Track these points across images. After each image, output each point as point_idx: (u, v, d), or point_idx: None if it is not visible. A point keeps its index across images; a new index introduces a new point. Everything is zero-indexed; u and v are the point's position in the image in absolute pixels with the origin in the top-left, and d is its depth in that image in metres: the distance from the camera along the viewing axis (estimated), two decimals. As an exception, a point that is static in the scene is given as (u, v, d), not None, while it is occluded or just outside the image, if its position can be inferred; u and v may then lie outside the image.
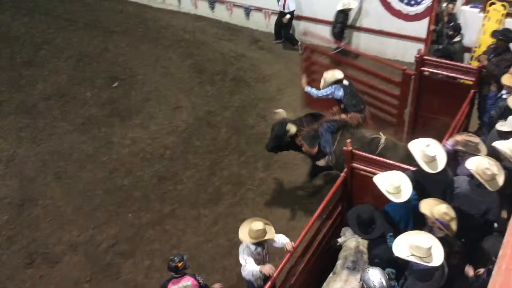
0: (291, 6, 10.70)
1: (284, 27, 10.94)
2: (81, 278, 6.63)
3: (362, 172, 5.81)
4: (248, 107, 9.52)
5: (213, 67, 10.56)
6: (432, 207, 4.61)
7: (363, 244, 5.46)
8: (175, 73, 10.38)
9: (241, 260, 5.24)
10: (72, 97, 9.77)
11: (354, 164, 5.84)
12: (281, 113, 7.25)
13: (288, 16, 10.73)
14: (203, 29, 11.83)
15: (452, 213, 4.56)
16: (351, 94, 6.81)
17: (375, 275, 4.28)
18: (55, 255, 6.90)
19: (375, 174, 5.58)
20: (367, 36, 10.69)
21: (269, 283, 4.85)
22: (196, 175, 8.14)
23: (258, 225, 5.12)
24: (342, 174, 5.89)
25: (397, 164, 5.54)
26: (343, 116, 6.80)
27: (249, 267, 5.14)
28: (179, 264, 5.26)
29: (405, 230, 4.79)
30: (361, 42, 10.78)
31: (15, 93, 9.85)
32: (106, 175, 8.13)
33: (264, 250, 5.34)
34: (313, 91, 7.12)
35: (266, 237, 5.14)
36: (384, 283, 4.24)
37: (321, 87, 6.94)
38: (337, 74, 6.83)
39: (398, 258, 4.41)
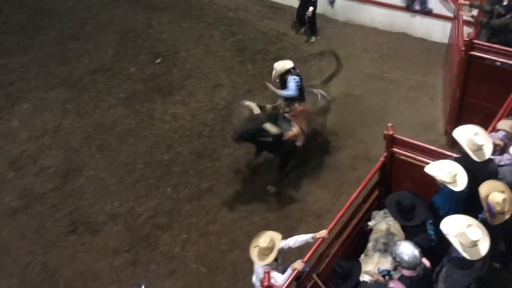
0: None
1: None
2: (121, 247, 6.87)
3: (402, 157, 5.71)
4: (289, 87, 9.45)
5: (254, 46, 10.52)
6: (491, 190, 4.47)
7: (394, 226, 5.42)
8: (216, 51, 10.41)
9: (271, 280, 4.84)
10: (117, 72, 9.97)
11: (395, 149, 5.74)
12: (252, 107, 7.01)
13: (311, 8, 10.23)
14: (246, 7, 11.76)
15: (505, 207, 4.40)
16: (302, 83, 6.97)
17: (407, 247, 4.27)
18: (97, 224, 7.16)
19: (415, 159, 5.51)
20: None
21: (294, 273, 4.84)
22: (234, 153, 8.20)
23: (264, 242, 4.92)
24: (381, 159, 5.80)
25: (439, 150, 5.43)
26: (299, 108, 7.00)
27: (280, 279, 4.88)
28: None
29: None
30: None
31: (62, 66, 10.13)
32: (147, 149, 8.32)
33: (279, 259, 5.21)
34: (284, 92, 7.16)
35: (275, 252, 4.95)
36: (417, 254, 4.23)
37: (272, 79, 7.12)
38: (288, 63, 7.13)
39: (438, 245, 4.35)
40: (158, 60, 10.23)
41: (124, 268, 6.62)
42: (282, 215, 7.17)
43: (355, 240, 5.84)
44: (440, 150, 5.44)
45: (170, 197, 7.56)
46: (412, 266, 4.23)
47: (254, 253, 4.99)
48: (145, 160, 8.14)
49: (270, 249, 4.90)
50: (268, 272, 4.70)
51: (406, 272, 4.27)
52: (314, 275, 5.00)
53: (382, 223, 5.53)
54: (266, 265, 4.89)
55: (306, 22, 10.59)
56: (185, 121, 8.80)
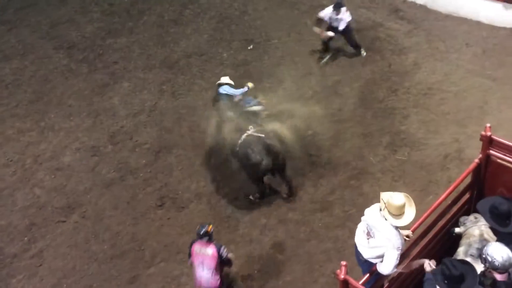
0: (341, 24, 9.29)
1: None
2: (202, 225, 7.14)
3: (499, 160, 5.35)
4: (379, 80, 9.20)
5: (348, 36, 10.31)
6: None
7: (487, 232, 5.16)
8: (309, 39, 10.34)
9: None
10: (210, 57, 10.29)
11: (491, 151, 5.39)
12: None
13: (330, 33, 9.42)
14: (342, -5, 11.55)
15: None
16: None
17: (501, 247, 4.08)
18: (183, 201, 7.51)
19: (514, 164, 5.14)
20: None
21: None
22: (317, 143, 8.17)
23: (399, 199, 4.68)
24: (476, 160, 5.47)
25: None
26: None
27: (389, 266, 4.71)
28: (209, 229, 5.68)
29: None
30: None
31: (161, 48, 10.64)
32: (234, 133, 8.54)
33: None
34: (236, 91, 8.02)
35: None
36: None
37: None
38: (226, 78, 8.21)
39: None
40: (250, 47, 10.40)
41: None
42: (362, 209, 6.97)
43: (439, 243, 5.60)
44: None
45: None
46: (507, 267, 4.02)
47: (386, 214, 4.68)
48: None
49: (403, 206, 4.66)
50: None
51: (499, 276, 4.04)
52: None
53: (474, 228, 5.30)
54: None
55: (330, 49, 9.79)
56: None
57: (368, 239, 4.94)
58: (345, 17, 9.26)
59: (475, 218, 5.37)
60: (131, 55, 10.49)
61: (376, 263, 4.87)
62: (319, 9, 11.03)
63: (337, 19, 9.28)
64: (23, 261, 6.89)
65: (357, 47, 9.69)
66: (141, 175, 7.99)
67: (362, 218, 5.04)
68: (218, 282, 5.77)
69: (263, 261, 6.69)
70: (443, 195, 5.19)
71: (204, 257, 5.65)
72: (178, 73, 9.98)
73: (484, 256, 4.10)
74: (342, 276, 4.56)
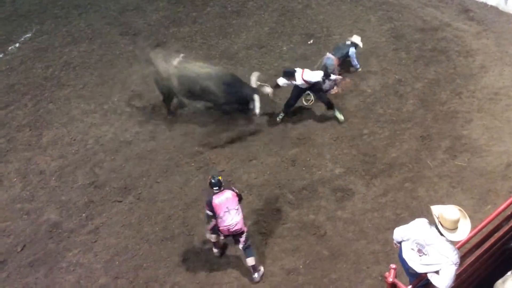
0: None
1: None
2: (251, 216, 7.22)
3: None
4: (443, 82, 8.89)
5: (412, 34, 10.03)
6: None
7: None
8: (370, 36, 10.15)
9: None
10: (270, 50, 10.32)
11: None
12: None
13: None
14: (408, -8, 11.23)
15: None
16: None
17: None
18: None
19: None
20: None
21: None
22: (373, 143, 8.03)
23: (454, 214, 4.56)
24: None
25: None
26: None
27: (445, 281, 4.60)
28: (220, 178, 6.15)
29: None
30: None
31: (222, 39, 10.79)
32: (283, 127, 8.57)
33: None
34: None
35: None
36: None
37: None
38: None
39: None
40: (311, 41, 10.33)
41: (252, 236, 6.95)
42: (416, 214, 6.83)
43: (494, 255, 5.37)
44: None
45: (303, 177, 7.70)
46: None
47: (441, 229, 4.58)
48: (282, 137, 8.40)
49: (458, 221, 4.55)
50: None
51: None
52: None
53: None
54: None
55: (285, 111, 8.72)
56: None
57: (420, 256, 4.76)
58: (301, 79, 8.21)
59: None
60: (193, 45, 10.70)
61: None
62: (384, 6, 10.83)
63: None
64: (80, 236, 7.25)
65: (330, 107, 8.52)
66: (195, 161, 8.16)
67: (408, 236, 4.85)
68: (243, 221, 6.30)
69: (309, 256, 6.68)
70: (502, 205, 4.98)
71: (227, 202, 6.12)
72: (237, 65, 10.08)
73: None
74: (390, 279, 4.49)
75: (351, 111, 8.63)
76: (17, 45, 11.11)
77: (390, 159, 7.75)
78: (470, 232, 4.78)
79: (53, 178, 8.11)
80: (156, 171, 8.07)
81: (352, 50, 9.12)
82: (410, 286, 4.71)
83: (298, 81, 8.20)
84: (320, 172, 7.75)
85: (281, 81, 8.39)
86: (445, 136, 7.89)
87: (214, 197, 6.10)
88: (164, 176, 7.98)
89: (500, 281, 4.92)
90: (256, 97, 8.25)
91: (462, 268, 5.01)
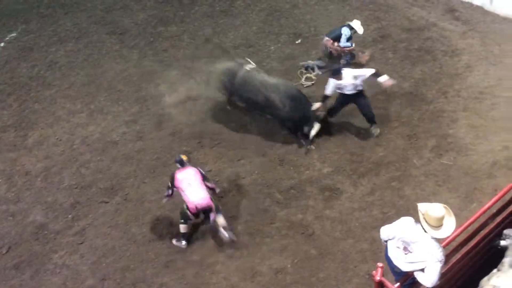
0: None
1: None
2: (239, 216, 7.23)
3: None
4: (429, 81, 8.96)
5: (398, 34, 10.09)
6: None
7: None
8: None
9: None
10: (258, 49, 10.30)
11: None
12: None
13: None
14: (396, -8, 11.29)
15: None
16: None
17: None
18: (222, 191, 7.51)
19: None
20: None
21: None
22: (360, 142, 8.07)
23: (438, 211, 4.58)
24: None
25: None
26: None
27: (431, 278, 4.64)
28: (183, 157, 6.73)
29: None
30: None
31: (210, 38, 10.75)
32: (272, 127, 8.52)
33: None
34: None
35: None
36: None
37: None
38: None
39: None
40: (298, 41, 10.35)
41: (240, 236, 6.96)
42: (402, 212, 6.88)
43: (480, 253, 5.43)
44: None
45: (291, 176, 7.72)
46: None
47: (425, 226, 4.60)
48: (272, 136, 8.39)
49: (443, 218, 4.57)
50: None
51: None
52: None
53: None
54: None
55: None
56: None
57: (405, 254, 4.79)
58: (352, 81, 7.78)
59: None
60: (181, 44, 10.65)
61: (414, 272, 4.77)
62: (371, 5, 10.86)
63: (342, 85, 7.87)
64: (66, 238, 7.18)
65: (371, 120, 8.13)
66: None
67: (393, 234, 4.89)
68: (209, 198, 6.58)
69: (297, 256, 6.70)
70: (487, 204, 5.03)
71: (189, 177, 6.57)
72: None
73: None
74: (378, 278, 4.51)
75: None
76: (2, 44, 10.97)
77: (377, 158, 7.80)
78: (456, 230, 4.83)
79: (39, 179, 8.03)
80: (143, 171, 8.02)
81: (345, 29, 9.16)
82: (397, 284, 4.73)
83: (347, 81, 7.70)
84: (308, 172, 7.77)
85: (329, 89, 7.87)
86: (431, 135, 7.95)
87: (177, 171, 6.66)
88: (152, 176, 7.93)
89: (485, 278, 4.97)
90: (316, 125, 8.01)
91: (448, 266, 5.05)
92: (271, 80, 8.21)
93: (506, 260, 5.02)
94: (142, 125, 8.83)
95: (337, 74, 7.75)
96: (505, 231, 5.31)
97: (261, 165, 7.95)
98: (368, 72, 7.82)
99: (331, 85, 7.85)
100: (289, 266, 6.60)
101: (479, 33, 9.82)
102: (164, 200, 6.95)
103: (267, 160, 8.01)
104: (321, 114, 8.18)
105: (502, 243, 5.24)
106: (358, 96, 7.96)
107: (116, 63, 10.25)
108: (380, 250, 6.39)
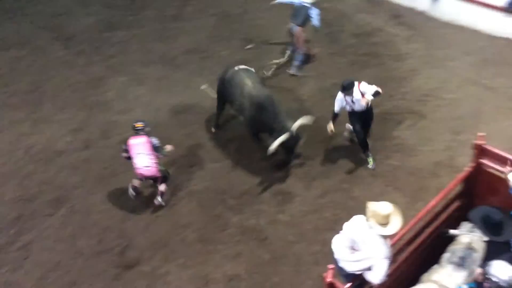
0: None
1: None
2: (191, 224, 7.09)
3: (490, 170, 5.33)
4: (377, 85, 9.05)
5: (346, 39, 10.32)
6: None
7: (477, 242, 5.14)
8: (308, 42, 10.31)
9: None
10: (209, 54, 10.26)
11: (483, 160, 5.37)
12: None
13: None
14: (343, -1, 11.55)
15: None
16: None
17: (505, 266, 3.99)
18: (173, 199, 7.44)
19: (505, 174, 5.12)
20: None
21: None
22: (312, 145, 8.13)
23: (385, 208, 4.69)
24: (467, 169, 5.45)
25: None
26: None
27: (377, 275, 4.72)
28: (137, 125, 7.11)
29: None
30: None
31: (160, 43, 10.61)
32: (232, 132, 8.49)
33: None
34: None
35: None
36: None
37: None
38: None
39: None
40: (249, 46, 10.37)
41: (193, 244, 6.85)
42: (352, 213, 6.95)
43: (427, 250, 5.57)
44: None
45: (244, 181, 7.68)
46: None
47: (372, 223, 4.66)
48: (223, 143, 8.33)
49: (389, 216, 4.65)
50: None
51: None
52: None
53: (466, 236, 5.29)
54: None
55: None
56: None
57: (352, 252, 4.85)
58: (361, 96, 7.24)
59: (473, 227, 5.34)
60: (129, 49, 10.46)
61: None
62: (321, 12, 11.00)
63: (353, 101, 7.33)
64: (9, 253, 6.82)
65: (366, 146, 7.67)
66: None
67: (343, 233, 4.96)
68: (157, 168, 7.07)
69: (251, 261, 6.63)
70: (431, 202, 5.17)
71: (139, 146, 6.98)
72: (176, 70, 9.94)
73: (488, 276, 4.02)
74: (328, 280, 4.54)
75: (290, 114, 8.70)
76: None
77: (328, 160, 7.89)
78: (403, 228, 4.94)
79: (-21, 193, 7.63)
80: (91, 181, 7.76)
81: (313, 11, 9.15)
82: (348, 285, 4.78)
83: (356, 95, 7.17)
84: (261, 177, 7.75)
85: (337, 105, 7.35)
86: (379, 137, 8.12)
87: (131, 137, 7.06)
88: (100, 186, 7.69)
89: (426, 274, 5.12)
90: (283, 136, 7.26)
91: (396, 264, 5.15)
92: (250, 83, 7.73)
93: (445, 255, 5.19)
94: (89, 134, 8.56)
95: (348, 89, 7.15)
96: (462, 223, 5.47)
97: (214, 171, 7.87)
98: (372, 88, 7.25)
99: (339, 101, 7.30)
100: (243, 272, 6.53)
101: (423, 38, 10.17)
102: (123, 154, 7.18)
103: (220, 166, 7.94)
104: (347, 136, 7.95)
105: (451, 231, 5.41)
106: (368, 113, 7.49)
107: (61, 70, 9.96)
108: (332, 252, 6.41)
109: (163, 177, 7.23)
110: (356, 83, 7.20)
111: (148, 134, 7.14)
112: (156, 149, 7.06)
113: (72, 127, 8.68)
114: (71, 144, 8.37)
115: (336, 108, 7.41)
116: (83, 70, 9.94)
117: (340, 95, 7.31)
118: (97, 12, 11.44)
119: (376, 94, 7.24)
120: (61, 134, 8.55)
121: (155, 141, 7.08)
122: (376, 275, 4.68)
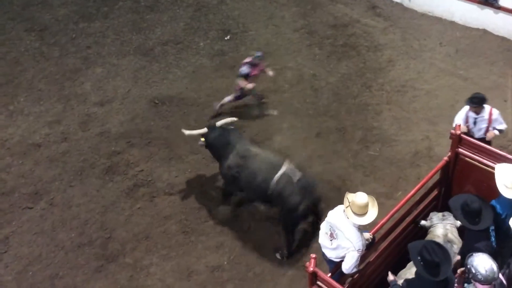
0: None
1: None
2: (173, 215, 7.09)
3: (467, 159, 5.47)
4: (354, 76, 9.28)
5: (324, 31, 10.36)
6: None
7: (452, 232, 5.25)
8: (285, 32, 10.36)
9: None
10: (186, 46, 10.18)
11: (460, 150, 5.50)
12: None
13: None
14: (321, -10, 11.57)
15: None
16: None
17: (485, 260, 4.03)
18: (154, 191, 7.41)
19: (481, 163, 5.27)
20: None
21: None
22: (293, 137, 8.20)
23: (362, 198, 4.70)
24: (445, 158, 5.58)
25: (509, 156, 5.15)
26: None
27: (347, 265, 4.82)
28: None
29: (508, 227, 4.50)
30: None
31: (136, 35, 10.46)
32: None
33: None
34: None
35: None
36: (495, 268, 3.99)
37: None
38: None
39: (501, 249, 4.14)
40: (227, 37, 10.33)
41: (175, 235, 6.85)
42: (332, 203, 7.06)
43: (406, 239, 5.69)
44: (509, 156, 5.16)
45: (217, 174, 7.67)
46: (489, 280, 3.99)
47: (349, 213, 4.71)
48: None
49: (366, 206, 4.69)
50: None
51: (481, 287, 4.05)
52: None
53: (439, 226, 5.36)
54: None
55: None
56: (247, 100, 8.83)
57: (331, 240, 4.96)
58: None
59: (443, 215, 5.45)
60: (105, 41, 10.28)
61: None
62: (298, 2, 11.02)
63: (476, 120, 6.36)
64: (-13, 248, 6.71)
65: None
66: (112, 162, 7.85)
67: (325, 219, 5.06)
68: None
69: (233, 252, 6.68)
70: (411, 192, 5.28)
71: None
72: (153, 61, 9.83)
73: (468, 267, 4.08)
74: (311, 269, 4.59)
75: (270, 106, 8.74)
76: None
77: (309, 151, 7.94)
78: (383, 218, 5.04)
79: (-46, 187, 7.44)
80: (69, 174, 7.66)
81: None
82: (329, 274, 4.86)
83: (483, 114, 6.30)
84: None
85: (459, 118, 6.39)
86: (358, 127, 8.24)
87: None
88: (79, 179, 7.59)
89: (404, 270, 5.19)
90: (202, 130, 6.85)
91: (377, 253, 5.26)
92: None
93: None
94: (67, 126, 8.43)
95: (478, 104, 6.24)
96: (431, 214, 5.60)
97: (194, 163, 7.85)
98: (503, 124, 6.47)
99: (462, 114, 6.39)
100: (225, 263, 6.57)
101: (400, 29, 10.30)
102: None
103: (200, 158, 7.91)
104: None
105: (423, 222, 5.54)
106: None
107: (36, 61, 9.74)
108: (314, 241, 6.54)
109: None
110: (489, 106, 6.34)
111: None
112: None
113: (49, 119, 8.53)
114: (49, 137, 8.24)
115: (457, 120, 6.42)
116: (59, 61, 9.74)
117: (465, 108, 6.38)
118: (71, 2, 11.18)
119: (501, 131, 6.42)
120: (38, 127, 8.40)
121: None
122: (345, 265, 4.81)
